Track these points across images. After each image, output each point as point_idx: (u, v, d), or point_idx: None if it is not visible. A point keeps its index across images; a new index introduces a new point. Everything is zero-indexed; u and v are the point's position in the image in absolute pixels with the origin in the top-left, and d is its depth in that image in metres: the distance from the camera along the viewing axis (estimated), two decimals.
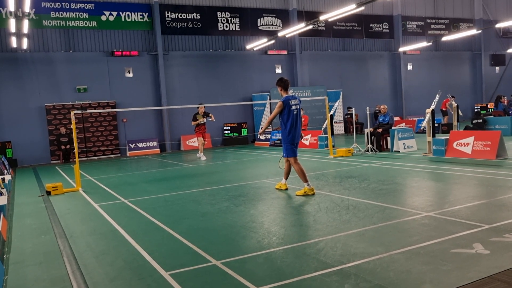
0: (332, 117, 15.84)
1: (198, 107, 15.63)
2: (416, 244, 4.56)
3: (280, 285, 3.75)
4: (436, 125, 17.18)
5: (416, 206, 6.33)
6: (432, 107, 12.55)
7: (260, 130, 8.12)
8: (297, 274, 3.94)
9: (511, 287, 3.40)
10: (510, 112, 20.67)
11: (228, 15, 22.79)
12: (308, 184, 7.62)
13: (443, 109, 22.00)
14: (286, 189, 8.28)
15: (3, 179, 10.71)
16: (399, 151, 13.54)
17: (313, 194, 7.55)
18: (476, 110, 19.39)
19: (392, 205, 6.45)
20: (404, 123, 21.48)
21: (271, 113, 23.34)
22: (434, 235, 4.81)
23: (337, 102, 18.89)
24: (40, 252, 5.36)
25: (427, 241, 4.62)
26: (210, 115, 15.74)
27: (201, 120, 15.55)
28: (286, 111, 7.55)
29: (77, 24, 19.67)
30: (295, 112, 7.61)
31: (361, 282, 3.69)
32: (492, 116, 19.46)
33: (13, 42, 17.53)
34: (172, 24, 21.56)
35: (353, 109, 17.77)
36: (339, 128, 25.07)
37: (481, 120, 16.74)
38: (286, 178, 8.28)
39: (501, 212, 5.66)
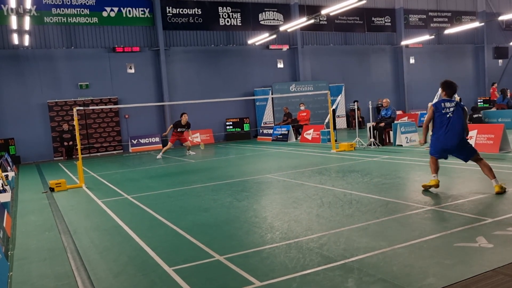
0: (334, 111, 15.82)
1: (181, 116, 15.89)
2: (419, 238, 4.55)
3: (283, 280, 3.76)
4: None
5: (419, 200, 6.32)
6: (435, 100, 12.50)
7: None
8: (300, 269, 3.95)
9: None
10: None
11: (229, 10, 22.72)
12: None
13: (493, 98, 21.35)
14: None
15: (7, 176, 10.75)
16: (401, 145, 13.52)
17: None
18: (473, 106, 19.33)
19: (395, 199, 6.45)
20: (406, 117, 21.48)
21: (273, 108, 23.39)
22: (437, 229, 4.80)
23: (339, 97, 18.89)
24: (44, 248, 5.38)
25: (430, 235, 4.62)
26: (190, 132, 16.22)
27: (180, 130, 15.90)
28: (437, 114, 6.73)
29: (78, 21, 19.66)
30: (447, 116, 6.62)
31: (364, 276, 3.69)
32: (494, 109, 19.35)
33: (15, 39, 17.53)
34: (173, 19, 21.51)
35: (358, 103, 17.67)
36: (341, 123, 25.04)
37: (480, 115, 16.64)
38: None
39: (504, 205, 5.65)
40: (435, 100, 12.54)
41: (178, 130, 15.98)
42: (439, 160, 7.03)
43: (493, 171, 6.48)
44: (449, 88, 6.73)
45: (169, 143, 16.21)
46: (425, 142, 7.20)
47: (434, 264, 3.83)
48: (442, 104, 6.66)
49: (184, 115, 15.96)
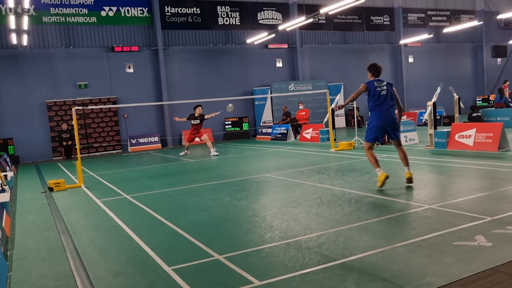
0: (333, 110, 15.82)
1: (195, 108, 15.44)
2: (418, 237, 4.56)
3: (282, 279, 3.76)
4: (438, 117, 17.11)
5: (418, 199, 6.33)
6: (434, 99, 12.52)
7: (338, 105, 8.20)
8: (300, 268, 3.95)
9: None
10: (511, 104, 20.56)
11: (228, 9, 22.71)
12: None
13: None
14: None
15: (6, 176, 10.75)
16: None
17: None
18: (471, 105, 19.29)
19: (394, 198, 6.45)
20: (405, 116, 21.44)
21: (272, 107, 23.38)
22: (436, 228, 4.81)
23: (338, 96, 18.80)
24: (44, 248, 5.38)
25: (429, 233, 4.63)
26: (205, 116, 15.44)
27: (194, 121, 15.32)
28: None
29: (77, 20, 19.64)
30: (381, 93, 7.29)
31: (364, 275, 3.70)
32: (492, 108, 19.36)
33: (13, 38, 17.51)
34: (172, 19, 21.50)
35: (354, 102, 17.70)
36: (340, 122, 25.05)
37: (479, 113, 16.64)
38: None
39: (503, 204, 5.65)
40: (434, 99, 12.55)
41: (192, 122, 15.38)
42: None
43: (407, 159, 7.34)
44: (373, 67, 7.54)
45: (186, 142, 15.97)
46: (342, 107, 8.20)
47: (433, 263, 3.84)
48: (375, 83, 7.32)
49: (199, 107, 15.32)
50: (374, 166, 7.36)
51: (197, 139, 15.65)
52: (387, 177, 7.11)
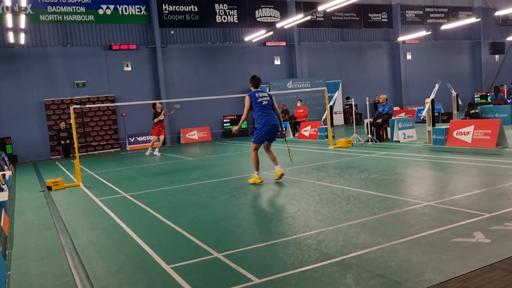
0: (331, 108, 15.82)
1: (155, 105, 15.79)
2: (417, 233, 4.57)
3: (281, 276, 3.76)
4: (436, 114, 17.12)
5: (417, 196, 6.34)
6: (432, 96, 12.52)
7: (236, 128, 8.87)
8: (299, 266, 3.95)
9: None
10: (509, 101, 20.60)
11: (226, 7, 22.67)
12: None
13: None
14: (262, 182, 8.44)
15: (4, 175, 10.72)
16: (399, 141, 13.54)
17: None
18: (469, 102, 19.32)
19: (393, 195, 6.46)
20: (403, 113, 21.49)
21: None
22: (434, 225, 4.82)
23: (337, 93, 18.87)
24: (42, 247, 5.38)
25: (427, 230, 4.63)
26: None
27: (161, 117, 15.83)
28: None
29: (74, 19, 19.58)
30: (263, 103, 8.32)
31: (363, 272, 3.70)
32: (490, 105, 19.38)
33: (10, 37, 17.45)
34: (169, 17, 21.45)
35: (352, 99, 17.73)
36: (338, 119, 25.05)
37: (477, 110, 16.65)
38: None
39: (502, 200, 5.66)
40: (432, 96, 12.56)
41: (161, 119, 15.86)
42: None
43: (277, 159, 8.41)
44: (254, 80, 8.51)
45: (153, 136, 16.08)
46: (238, 129, 8.91)
47: (432, 260, 3.84)
48: (256, 94, 8.32)
49: (157, 103, 15.74)
50: (255, 167, 8.32)
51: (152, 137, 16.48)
52: (261, 181, 8.30)
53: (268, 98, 8.40)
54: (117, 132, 20.54)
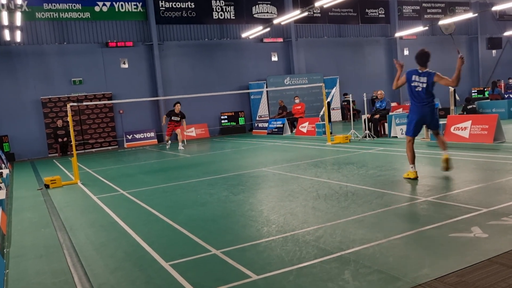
0: (329, 104, 15.83)
1: (175, 105, 16.32)
2: (415, 229, 4.58)
3: (280, 273, 3.77)
4: None
5: (415, 191, 6.35)
6: None
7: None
8: (297, 262, 3.96)
9: (510, 270, 3.43)
10: (506, 96, 20.63)
11: (222, 3, 22.60)
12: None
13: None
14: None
15: (1, 174, 10.71)
16: (396, 137, 13.55)
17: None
18: (467, 97, 19.32)
19: (391, 191, 6.47)
20: (401, 109, 21.47)
21: (268, 102, 23.38)
22: (432, 220, 4.83)
23: (334, 89, 18.88)
24: (40, 245, 5.37)
25: (425, 226, 4.64)
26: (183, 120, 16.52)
27: (176, 118, 16.28)
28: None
29: (70, 16, 19.49)
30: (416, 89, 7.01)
31: (361, 268, 3.71)
32: (488, 100, 19.41)
33: (6, 35, 17.36)
34: (166, 13, 21.38)
35: (350, 95, 17.73)
36: (336, 115, 25.05)
37: (474, 105, 16.67)
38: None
39: (499, 195, 5.68)
40: None
41: (172, 118, 16.26)
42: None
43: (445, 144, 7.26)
44: (418, 56, 7.22)
45: (166, 136, 16.35)
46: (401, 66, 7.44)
47: (430, 255, 3.85)
48: (413, 76, 7.07)
49: (177, 104, 16.21)
50: (410, 161, 7.22)
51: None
52: (415, 177, 7.07)
53: (424, 86, 6.93)
54: (114, 129, 20.50)
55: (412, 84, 7.02)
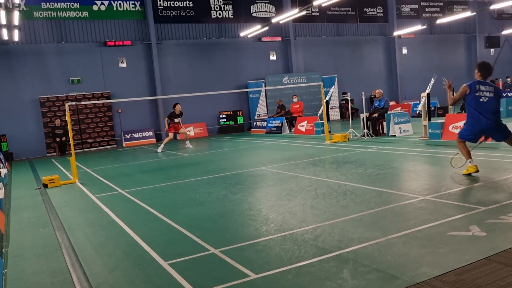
0: (327, 103, 15.81)
1: (174, 106, 16.17)
2: (413, 227, 4.58)
3: (278, 271, 3.77)
4: (432, 108, 17.14)
5: (413, 190, 6.36)
6: (428, 90, 12.54)
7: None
8: (296, 261, 3.96)
9: (508, 268, 3.43)
10: (504, 95, 20.67)
11: (221, 2, 22.58)
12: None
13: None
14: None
15: (0, 173, 10.68)
16: (395, 136, 13.56)
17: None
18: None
19: (389, 190, 6.48)
20: (399, 107, 21.54)
21: (266, 101, 23.36)
22: (431, 219, 4.84)
23: (332, 88, 18.80)
24: (39, 245, 5.36)
25: (424, 224, 4.65)
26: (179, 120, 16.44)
27: (177, 119, 16.20)
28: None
29: (68, 15, 19.44)
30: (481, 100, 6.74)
31: (359, 266, 3.71)
32: None
33: (4, 34, 17.31)
34: (164, 12, 21.34)
35: (349, 94, 17.73)
36: (335, 114, 25.05)
37: None
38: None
39: (497, 194, 5.69)
40: (428, 90, 12.58)
41: (175, 120, 16.15)
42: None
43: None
44: (482, 67, 6.94)
45: (169, 133, 16.24)
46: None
47: (428, 253, 3.86)
48: (477, 86, 6.76)
49: (178, 105, 16.16)
50: (466, 156, 7.07)
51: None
52: (476, 170, 6.90)
53: (492, 95, 6.73)
54: (113, 129, 20.47)
55: (477, 94, 6.74)
